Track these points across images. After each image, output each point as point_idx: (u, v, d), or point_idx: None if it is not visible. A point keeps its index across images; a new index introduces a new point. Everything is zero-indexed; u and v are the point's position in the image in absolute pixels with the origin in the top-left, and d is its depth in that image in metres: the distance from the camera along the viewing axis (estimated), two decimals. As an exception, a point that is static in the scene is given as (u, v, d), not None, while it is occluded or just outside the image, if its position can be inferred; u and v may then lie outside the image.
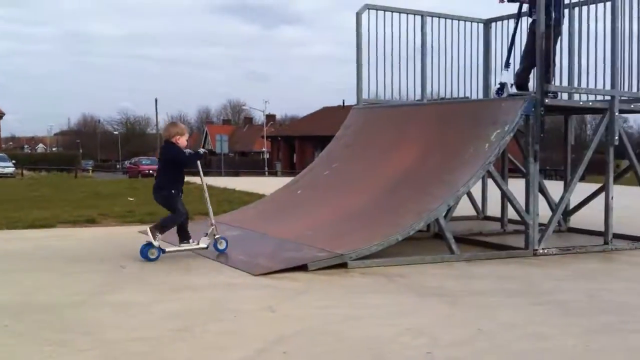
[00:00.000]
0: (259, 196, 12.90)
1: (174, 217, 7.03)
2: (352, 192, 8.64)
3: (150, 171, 45.43)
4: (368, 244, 6.85)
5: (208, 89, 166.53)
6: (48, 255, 7.10)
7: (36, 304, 5.00)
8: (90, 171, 60.50)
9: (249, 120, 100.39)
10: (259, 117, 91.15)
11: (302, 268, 6.40)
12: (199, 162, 7.31)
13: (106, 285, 5.66)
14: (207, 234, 7.22)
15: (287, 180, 10.85)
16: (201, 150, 7.62)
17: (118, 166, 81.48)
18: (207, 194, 7.42)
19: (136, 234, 8.81)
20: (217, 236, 7.23)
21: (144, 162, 53.03)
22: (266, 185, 16.21)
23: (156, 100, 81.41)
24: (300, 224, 8.07)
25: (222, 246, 7.24)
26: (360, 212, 8.03)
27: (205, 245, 7.16)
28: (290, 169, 56.86)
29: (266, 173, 56.89)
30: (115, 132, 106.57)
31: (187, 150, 7.22)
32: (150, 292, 5.42)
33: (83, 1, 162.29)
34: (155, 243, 6.82)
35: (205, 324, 4.51)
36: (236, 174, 46.52)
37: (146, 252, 6.80)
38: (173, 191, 7.02)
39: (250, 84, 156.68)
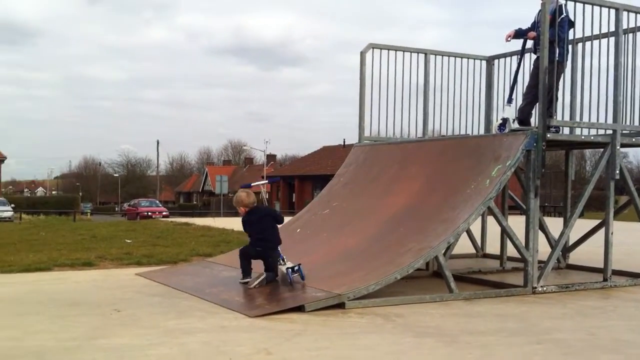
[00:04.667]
0: (258, 236, 12.82)
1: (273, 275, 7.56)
2: (351, 231, 8.59)
3: (149, 213, 45.37)
4: (366, 283, 6.77)
5: (209, 130, 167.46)
6: (42, 299, 7.01)
7: (28, 348, 4.91)
8: (89, 214, 60.46)
9: (249, 160, 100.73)
10: (260, 157, 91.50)
11: (299, 309, 6.33)
12: None
13: (101, 329, 5.57)
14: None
15: (285, 220, 10.81)
16: None
17: (117, 209, 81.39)
18: None
19: (133, 276, 8.74)
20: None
21: (142, 204, 52.89)
22: (265, 225, 16.12)
23: (158, 142, 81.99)
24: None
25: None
26: (359, 251, 7.97)
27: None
28: (290, 209, 56.77)
29: (266, 213, 56.56)
30: (115, 175, 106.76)
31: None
32: (145, 336, 5.33)
33: (83, 46, 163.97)
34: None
35: (200, 368, 4.42)
36: (236, 215, 46.39)
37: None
38: None
39: (251, 125, 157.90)
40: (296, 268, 7.38)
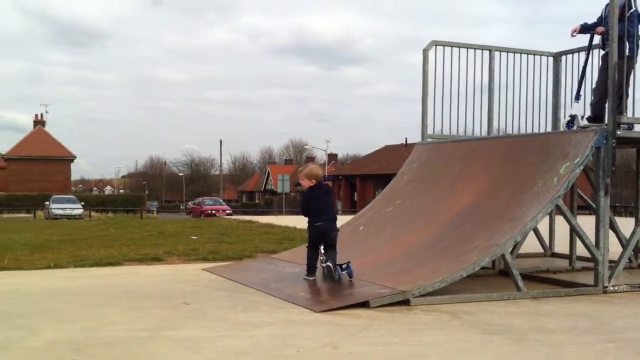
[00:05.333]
0: (321, 234, 12.89)
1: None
2: (415, 228, 8.55)
3: (213, 211, 46.10)
4: (431, 280, 6.73)
5: (270, 130, 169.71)
6: (114, 292, 7.22)
7: (102, 339, 5.07)
8: (155, 212, 61.79)
9: (311, 159, 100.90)
10: (321, 157, 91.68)
11: (364, 305, 6.34)
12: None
13: (171, 321, 5.71)
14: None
15: (347, 218, 10.84)
16: None
17: (182, 207, 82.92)
18: None
19: (200, 271, 8.92)
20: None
21: (207, 202, 53.82)
22: (327, 223, 16.24)
23: (221, 142, 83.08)
24: (361, 260, 7.99)
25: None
26: (423, 249, 7.93)
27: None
28: (351, 208, 56.79)
29: (327, 212, 56.69)
30: (180, 174, 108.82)
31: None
32: (214, 328, 5.44)
33: (148, 48, 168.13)
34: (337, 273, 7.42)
35: (268, 360, 4.49)
36: (297, 213, 46.64)
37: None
38: None
39: (312, 124, 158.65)
40: (344, 266, 7.42)
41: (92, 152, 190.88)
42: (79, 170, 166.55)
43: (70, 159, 64.17)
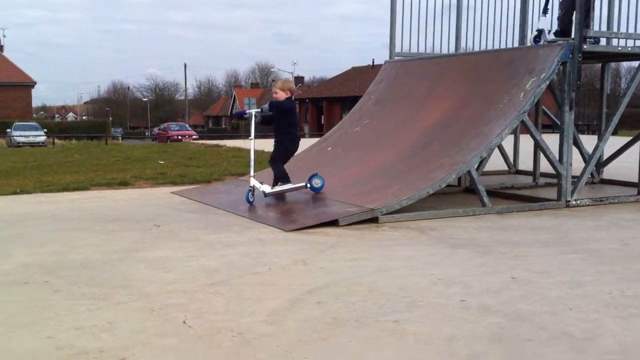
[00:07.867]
0: (289, 156, 12.88)
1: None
2: (382, 147, 8.60)
3: (179, 136, 45.72)
4: (398, 198, 6.84)
5: (236, 53, 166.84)
6: (83, 216, 7.20)
7: (73, 261, 5.08)
8: (120, 138, 61.04)
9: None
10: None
11: (333, 223, 6.43)
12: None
13: (142, 243, 5.74)
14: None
15: (314, 141, 10.85)
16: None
17: (147, 133, 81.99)
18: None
19: (169, 195, 8.91)
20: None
21: (172, 127, 53.28)
22: (295, 145, 16.19)
23: (185, 66, 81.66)
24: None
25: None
26: (391, 168, 8.01)
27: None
28: (318, 131, 56.72)
29: (295, 135, 56.55)
30: (144, 99, 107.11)
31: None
32: (185, 249, 5.48)
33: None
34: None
35: (241, 277, 4.56)
36: (264, 137, 46.49)
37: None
38: None
39: (278, 47, 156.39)
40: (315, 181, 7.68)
41: (53, 78, 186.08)
42: (39, 97, 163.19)
43: (31, 84, 62.51)
